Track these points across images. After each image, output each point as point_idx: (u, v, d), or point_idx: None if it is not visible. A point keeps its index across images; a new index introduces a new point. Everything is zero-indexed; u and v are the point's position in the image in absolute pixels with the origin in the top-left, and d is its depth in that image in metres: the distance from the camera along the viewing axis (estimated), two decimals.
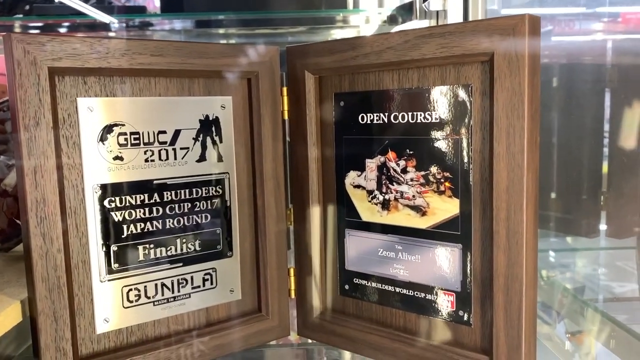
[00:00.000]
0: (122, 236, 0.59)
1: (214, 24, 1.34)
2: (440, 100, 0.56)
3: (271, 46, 0.66)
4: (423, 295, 0.59)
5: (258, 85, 0.65)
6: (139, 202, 0.60)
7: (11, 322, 0.53)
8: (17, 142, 0.52)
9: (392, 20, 1.07)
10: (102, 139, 0.57)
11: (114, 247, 0.58)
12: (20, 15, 1.15)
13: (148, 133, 0.60)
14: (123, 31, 1.41)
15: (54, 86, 0.53)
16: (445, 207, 0.56)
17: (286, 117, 0.68)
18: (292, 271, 0.70)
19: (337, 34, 1.55)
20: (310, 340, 0.72)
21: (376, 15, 1.34)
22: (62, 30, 1.24)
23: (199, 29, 1.37)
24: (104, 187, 0.57)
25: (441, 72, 0.56)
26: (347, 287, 0.66)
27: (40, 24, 1.30)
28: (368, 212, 0.63)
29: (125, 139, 0.58)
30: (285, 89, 0.67)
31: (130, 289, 0.60)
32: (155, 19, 1.19)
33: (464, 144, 0.54)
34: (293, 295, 0.70)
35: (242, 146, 0.67)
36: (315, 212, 0.67)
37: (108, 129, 0.57)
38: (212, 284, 0.65)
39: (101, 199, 0.57)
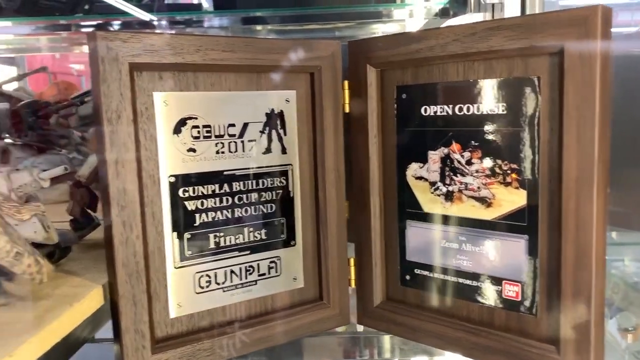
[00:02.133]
0: (195, 224, 0.61)
1: (260, 20, 1.36)
2: (507, 92, 0.56)
3: (333, 41, 0.67)
4: (487, 285, 0.60)
5: (320, 79, 0.67)
6: (210, 192, 0.62)
7: (95, 306, 0.56)
8: (100, 134, 0.54)
9: (443, 13, 1.07)
10: (177, 131, 0.60)
11: (187, 235, 0.61)
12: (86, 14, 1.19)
13: (219, 126, 0.62)
14: (173, 28, 1.45)
15: (133, 81, 0.56)
16: (511, 199, 0.57)
17: (347, 110, 0.69)
18: (351, 261, 0.71)
19: (381, 28, 1.56)
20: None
21: (422, 9, 1.34)
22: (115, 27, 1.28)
23: (246, 25, 1.40)
24: (178, 177, 0.60)
25: (508, 64, 0.56)
26: (407, 277, 0.67)
27: (94, 23, 1.35)
28: (430, 203, 0.64)
29: (198, 132, 0.61)
30: (346, 82, 0.69)
31: (202, 276, 0.62)
32: (207, 15, 1.22)
33: (531, 135, 0.55)
34: (353, 285, 0.72)
35: (304, 139, 0.68)
36: (375, 203, 0.68)
37: (182, 122, 0.60)
38: (276, 271, 0.67)
39: (175, 189, 0.60)
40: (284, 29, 1.39)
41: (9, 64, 1.69)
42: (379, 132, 0.67)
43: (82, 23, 1.39)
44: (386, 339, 0.85)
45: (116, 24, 1.38)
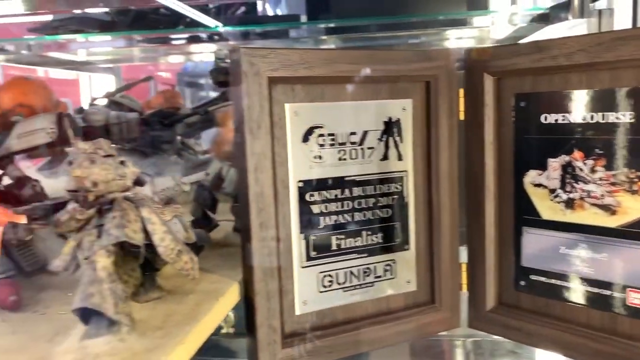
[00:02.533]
0: (319, 227, 0.65)
1: (343, 30, 1.40)
2: (635, 100, 0.56)
3: (450, 49, 0.69)
4: (610, 292, 0.60)
5: (437, 88, 0.69)
6: (333, 197, 0.66)
7: (234, 301, 0.61)
8: (242, 143, 0.59)
9: (542, 19, 1.06)
10: (305, 139, 0.63)
11: (312, 237, 0.65)
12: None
13: (342, 134, 0.65)
14: (262, 39, 1.50)
15: (270, 94, 0.60)
16: (638, 207, 0.57)
17: (461, 117, 0.71)
18: (463, 266, 0.73)
19: (465, 34, 1.56)
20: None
21: (509, 15, 1.33)
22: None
23: (333, 35, 1.43)
24: (305, 182, 0.64)
25: (636, 73, 0.56)
26: (522, 282, 0.68)
27: (185, 35, 1.43)
28: (550, 210, 0.64)
29: (324, 140, 0.64)
30: (461, 90, 0.70)
31: (325, 275, 0.66)
32: (305, 26, 1.27)
33: None
34: (465, 289, 0.73)
35: (419, 146, 0.71)
36: (489, 210, 0.70)
37: (310, 131, 0.64)
38: (391, 274, 0.70)
39: (303, 193, 0.64)
40: (372, 36, 1.42)
41: (108, 73, 1.81)
42: (495, 139, 0.69)
43: (173, 36, 1.47)
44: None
45: (204, 36, 1.45)
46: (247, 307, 0.62)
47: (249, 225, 0.60)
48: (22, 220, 0.47)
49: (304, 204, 0.64)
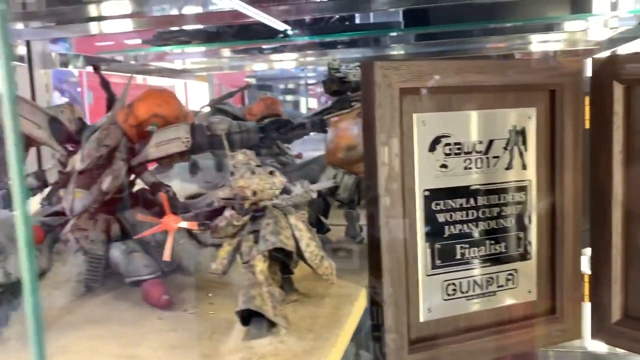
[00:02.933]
0: (444, 236, 0.66)
1: (431, 36, 1.40)
2: None
3: (577, 58, 0.68)
4: None
5: (562, 96, 0.68)
6: (458, 206, 0.66)
7: (363, 306, 0.63)
8: (372, 153, 0.61)
9: None
10: (432, 149, 0.64)
11: (437, 245, 0.65)
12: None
13: (468, 143, 0.66)
14: (349, 48, 1.53)
15: (400, 104, 0.61)
16: None
17: (587, 126, 0.70)
18: (585, 277, 0.72)
19: (560, 38, 1.52)
20: None
21: (608, 19, 1.29)
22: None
23: (417, 42, 1.44)
24: (431, 191, 0.65)
25: None
26: None
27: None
28: None
29: (450, 149, 0.65)
30: (586, 98, 0.69)
31: (449, 284, 0.66)
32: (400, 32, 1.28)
33: None
34: (587, 300, 0.72)
35: (543, 155, 0.70)
36: (616, 220, 0.68)
37: (437, 140, 0.64)
38: (513, 284, 0.70)
39: (429, 202, 0.65)
40: (469, 40, 1.41)
41: (202, 81, 1.89)
42: (624, 149, 0.67)
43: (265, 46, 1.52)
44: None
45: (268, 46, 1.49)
46: (373, 313, 0.64)
47: (378, 234, 0.61)
48: (194, 227, 0.51)
49: (429, 213, 0.65)
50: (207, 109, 1.34)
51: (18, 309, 0.53)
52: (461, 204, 0.66)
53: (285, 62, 1.89)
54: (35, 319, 0.29)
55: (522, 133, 0.68)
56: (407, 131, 0.63)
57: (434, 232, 0.65)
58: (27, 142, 0.80)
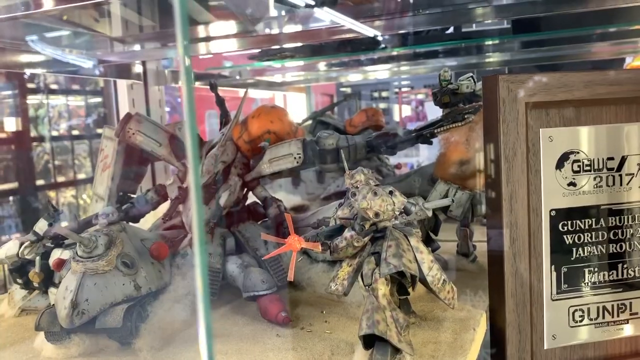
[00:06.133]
0: (571, 258, 0.61)
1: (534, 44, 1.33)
2: None
3: None
4: None
5: None
6: (586, 227, 0.62)
7: (483, 331, 0.60)
8: (496, 170, 0.58)
9: None
10: (559, 166, 0.60)
11: (564, 269, 0.61)
12: None
13: (598, 160, 0.61)
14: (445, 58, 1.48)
15: (526, 119, 0.58)
16: None
17: None
18: None
19: None
20: None
21: None
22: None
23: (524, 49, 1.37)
24: (558, 211, 0.61)
25: None
26: None
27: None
28: None
29: (579, 166, 0.61)
30: None
31: (576, 310, 0.62)
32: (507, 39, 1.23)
33: None
34: None
35: None
36: None
37: (565, 156, 0.61)
38: None
39: (556, 223, 0.61)
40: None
41: (300, 92, 1.92)
42: None
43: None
44: None
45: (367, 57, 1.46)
46: (494, 338, 0.61)
47: (501, 254, 0.58)
48: (317, 248, 0.51)
49: (556, 234, 0.61)
50: (309, 122, 1.36)
51: (147, 321, 0.56)
52: (590, 225, 0.62)
53: (379, 72, 1.88)
54: (207, 330, 0.29)
55: None
56: (532, 147, 0.60)
57: (561, 254, 0.61)
58: (147, 159, 0.85)
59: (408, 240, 0.51)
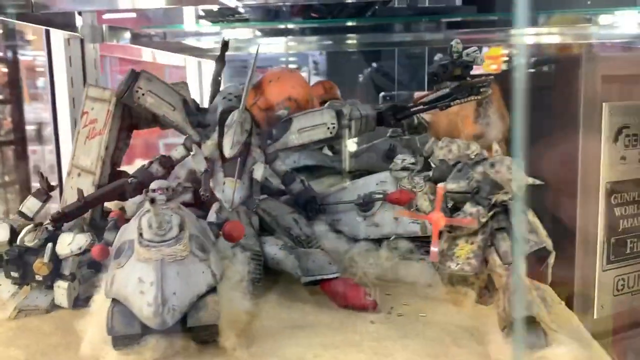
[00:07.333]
0: (619, 230, 0.64)
1: None
2: None
3: None
4: None
5: None
6: (631, 199, 0.64)
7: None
8: (574, 144, 0.58)
9: None
10: (615, 139, 0.62)
11: (612, 240, 0.63)
12: None
13: None
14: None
15: (598, 94, 0.58)
16: None
17: None
18: None
19: None
20: None
21: None
22: None
23: None
24: (612, 184, 0.62)
25: None
26: None
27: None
28: None
29: (629, 140, 0.63)
30: None
31: (620, 279, 0.65)
32: None
33: None
34: None
35: None
36: None
37: (619, 130, 0.62)
38: None
39: (609, 195, 0.62)
40: None
41: None
42: None
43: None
44: None
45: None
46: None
47: (569, 228, 0.58)
48: (473, 224, 0.45)
49: (608, 206, 0.63)
50: None
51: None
52: (634, 197, 0.64)
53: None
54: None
55: None
56: (596, 121, 0.60)
57: (611, 226, 0.63)
58: (137, 125, 0.72)
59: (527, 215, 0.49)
